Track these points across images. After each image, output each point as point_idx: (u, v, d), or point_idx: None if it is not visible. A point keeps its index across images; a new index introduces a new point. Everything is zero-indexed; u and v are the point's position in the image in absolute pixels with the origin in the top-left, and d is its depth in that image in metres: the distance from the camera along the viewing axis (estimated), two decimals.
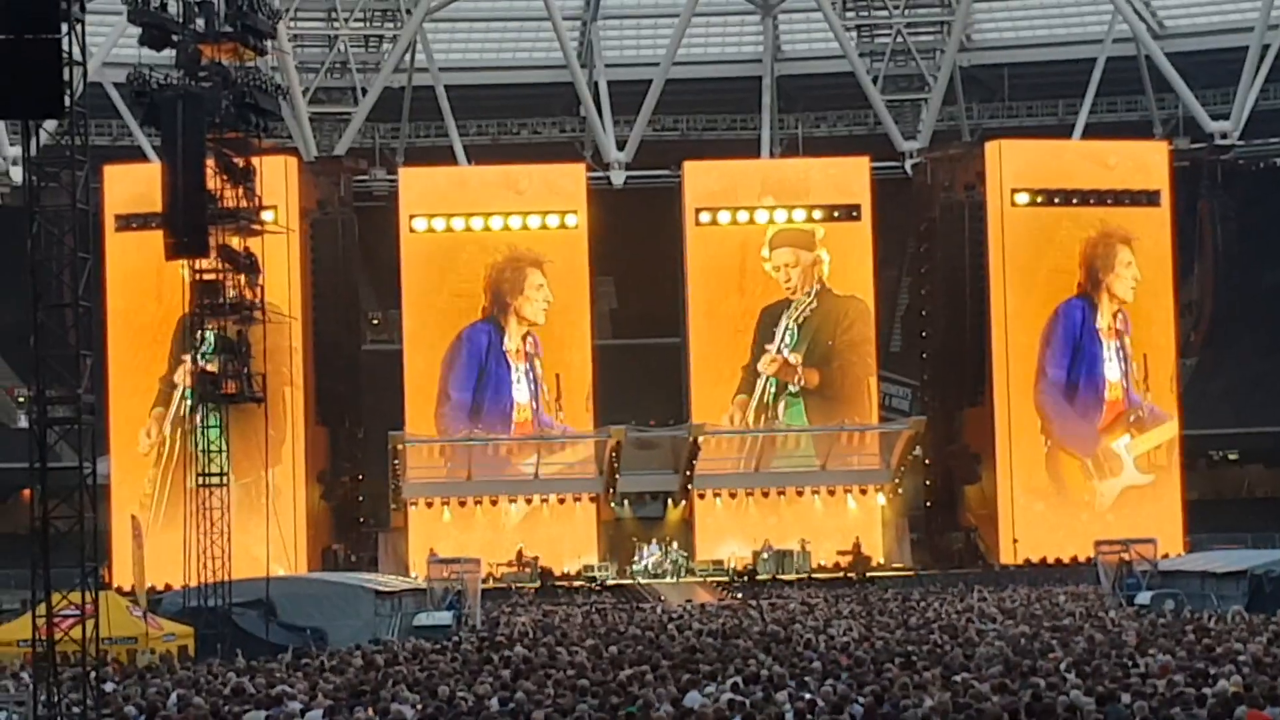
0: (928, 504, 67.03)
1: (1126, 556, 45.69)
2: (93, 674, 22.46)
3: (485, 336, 64.65)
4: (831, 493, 64.01)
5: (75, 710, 22.18)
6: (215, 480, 42.11)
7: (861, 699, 19.64)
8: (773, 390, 64.88)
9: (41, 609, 22.05)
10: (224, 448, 43.17)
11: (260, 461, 55.68)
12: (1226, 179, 73.94)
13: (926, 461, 65.89)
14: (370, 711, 20.40)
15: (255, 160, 44.41)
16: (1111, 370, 64.35)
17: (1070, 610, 39.40)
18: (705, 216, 65.51)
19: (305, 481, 63.27)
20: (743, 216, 65.33)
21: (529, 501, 63.66)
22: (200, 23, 41.62)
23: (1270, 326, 70.59)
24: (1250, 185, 74.65)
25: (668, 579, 59.79)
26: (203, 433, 43.05)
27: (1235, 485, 72.00)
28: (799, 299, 65.02)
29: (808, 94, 76.96)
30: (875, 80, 72.86)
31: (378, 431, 63.68)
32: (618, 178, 71.22)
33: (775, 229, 65.23)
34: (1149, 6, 74.40)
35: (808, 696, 20.18)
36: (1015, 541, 62.86)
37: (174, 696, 22.92)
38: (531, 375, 64.55)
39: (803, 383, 64.92)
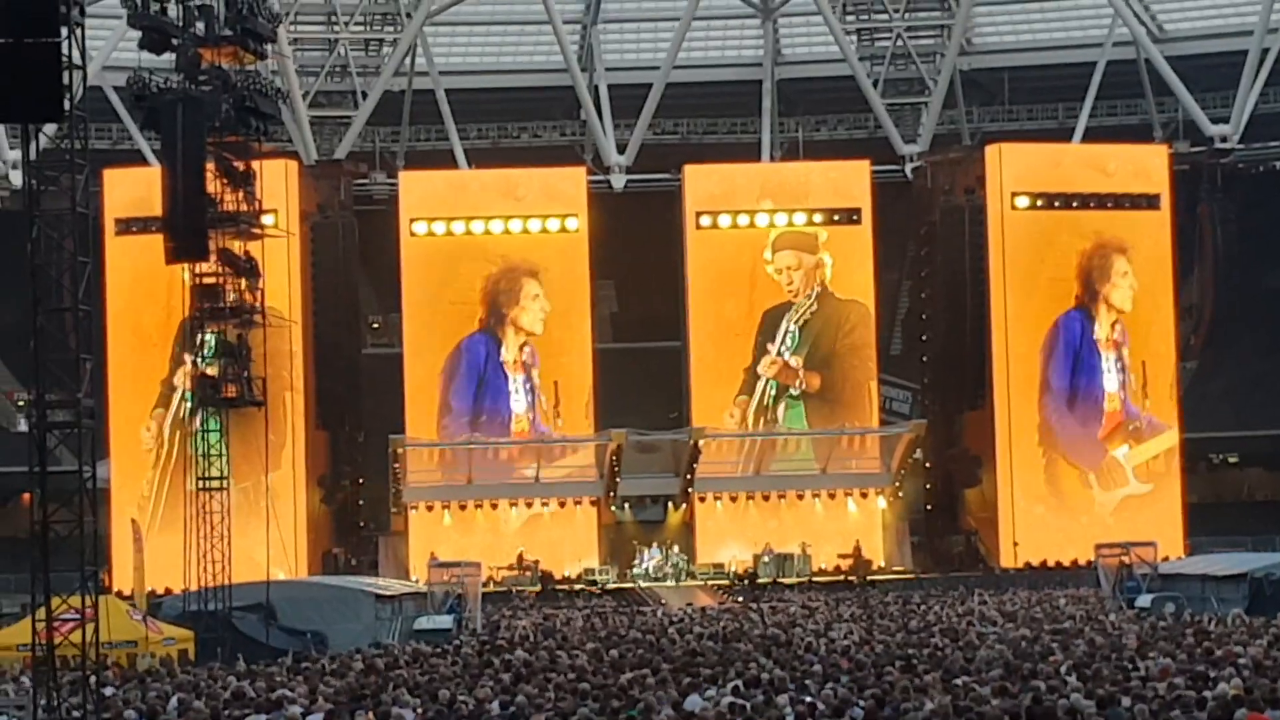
0: (928, 507, 66.91)
1: (1127, 560, 45.62)
2: (93, 678, 22.42)
3: (483, 348, 64.54)
4: (832, 496, 63.97)
5: (75, 714, 22.14)
6: (215, 484, 42.10)
7: (862, 702, 19.61)
8: (773, 393, 64.83)
9: (41, 613, 22.04)
10: (224, 451, 43.17)
11: (260, 465, 55.62)
12: (1226, 182, 73.92)
13: (927, 465, 65.80)
14: (370, 715, 20.36)
15: (255, 164, 44.41)
16: (1110, 382, 64.26)
17: (1071, 613, 39.41)
18: (705, 220, 65.40)
19: (305, 485, 63.19)
20: (743, 220, 65.22)
21: (529, 505, 63.54)
22: (200, 26, 41.54)
23: (1270, 329, 70.56)
24: (1250, 188, 74.61)
25: (668, 582, 59.75)
26: (203, 436, 42.98)
27: (1235, 488, 71.98)
28: (800, 302, 64.99)
29: (808, 97, 76.96)
30: (875, 84, 72.91)
31: (378, 435, 63.52)
32: (618, 181, 71.20)
33: (778, 231, 65.15)
34: (1149, 10, 74.46)
35: (808, 700, 20.14)
36: (1015, 545, 62.82)
37: (174, 700, 22.89)
38: (529, 386, 64.47)
39: (803, 386, 64.86)
